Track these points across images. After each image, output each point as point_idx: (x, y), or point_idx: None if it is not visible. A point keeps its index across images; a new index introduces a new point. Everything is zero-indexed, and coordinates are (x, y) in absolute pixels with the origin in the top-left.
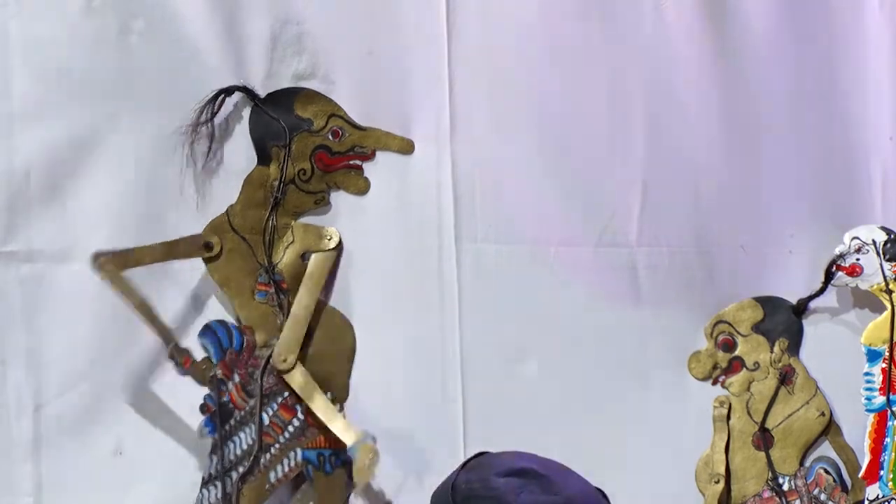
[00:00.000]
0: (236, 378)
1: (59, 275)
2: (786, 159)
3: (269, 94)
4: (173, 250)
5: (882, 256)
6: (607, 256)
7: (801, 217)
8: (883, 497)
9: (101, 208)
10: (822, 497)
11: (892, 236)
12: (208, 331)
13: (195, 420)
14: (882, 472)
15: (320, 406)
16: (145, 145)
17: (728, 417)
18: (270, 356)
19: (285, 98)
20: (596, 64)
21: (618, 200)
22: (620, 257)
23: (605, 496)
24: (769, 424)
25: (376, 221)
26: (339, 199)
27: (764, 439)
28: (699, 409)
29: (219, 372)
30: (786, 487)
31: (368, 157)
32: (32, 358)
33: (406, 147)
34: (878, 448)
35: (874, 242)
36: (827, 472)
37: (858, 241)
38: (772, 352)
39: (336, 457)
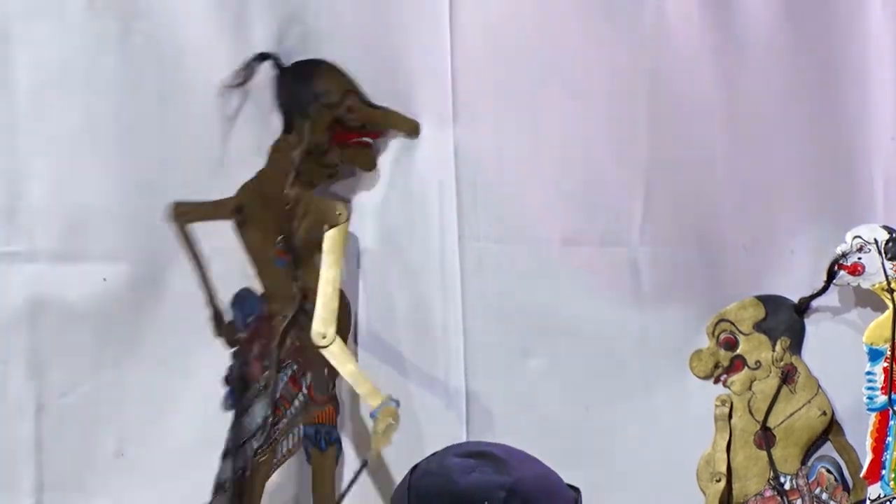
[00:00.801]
0: (255, 349)
1: (61, 275)
2: (788, 158)
3: (293, 64)
4: (217, 211)
5: (884, 255)
6: (609, 255)
7: (803, 216)
8: (885, 496)
9: (103, 208)
10: (824, 496)
11: (894, 235)
12: (238, 299)
13: (197, 419)
14: (884, 472)
15: (350, 371)
16: (147, 146)
17: (729, 416)
18: (287, 327)
19: (307, 69)
20: (598, 62)
21: (620, 200)
22: (623, 256)
23: (576, 490)
24: (771, 423)
25: (378, 221)
26: None
27: (765, 438)
28: (700, 408)
29: (243, 340)
30: (787, 486)
31: (379, 134)
32: (34, 358)
33: (413, 129)
34: (879, 447)
35: (876, 241)
36: (828, 471)
37: (860, 241)
38: (773, 350)
39: (329, 434)
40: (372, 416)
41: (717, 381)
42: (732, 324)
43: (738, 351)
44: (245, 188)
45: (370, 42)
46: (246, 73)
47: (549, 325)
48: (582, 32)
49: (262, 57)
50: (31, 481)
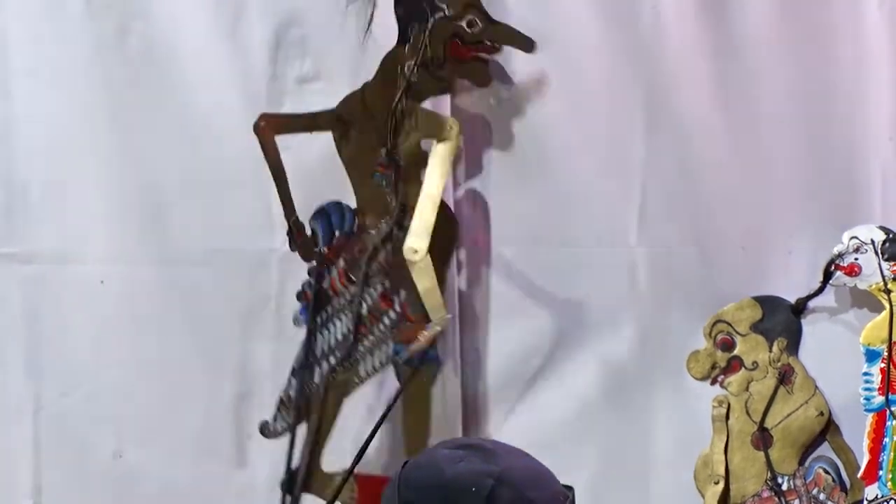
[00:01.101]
0: (341, 263)
1: (59, 276)
2: (785, 159)
3: None
4: (315, 122)
5: (880, 256)
6: (607, 256)
7: (801, 217)
8: (882, 497)
9: (101, 210)
10: (821, 497)
11: (891, 236)
12: (321, 213)
13: (197, 419)
14: (881, 472)
15: (425, 288)
16: (145, 146)
17: (727, 417)
18: (381, 242)
19: None
20: (595, 64)
21: (617, 201)
22: (620, 257)
23: (569, 488)
24: (768, 424)
25: None
26: None
27: (763, 439)
28: (698, 409)
29: (325, 253)
30: (785, 487)
31: (496, 50)
32: (32, 360)
33: (528, 46)
34: (876, 448)
35: (873, 242)
36: (826, 471)
37: (857, 241)
38: (770, 351)
39: (426, 352)
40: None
41: (714, 381)
42: (729, 325)
43: (736, 352)
44: (348, 100)
45: (366, 43)
46: None
47: (547, 327)
48: (579, 34)
49: None
50: (30, 482)
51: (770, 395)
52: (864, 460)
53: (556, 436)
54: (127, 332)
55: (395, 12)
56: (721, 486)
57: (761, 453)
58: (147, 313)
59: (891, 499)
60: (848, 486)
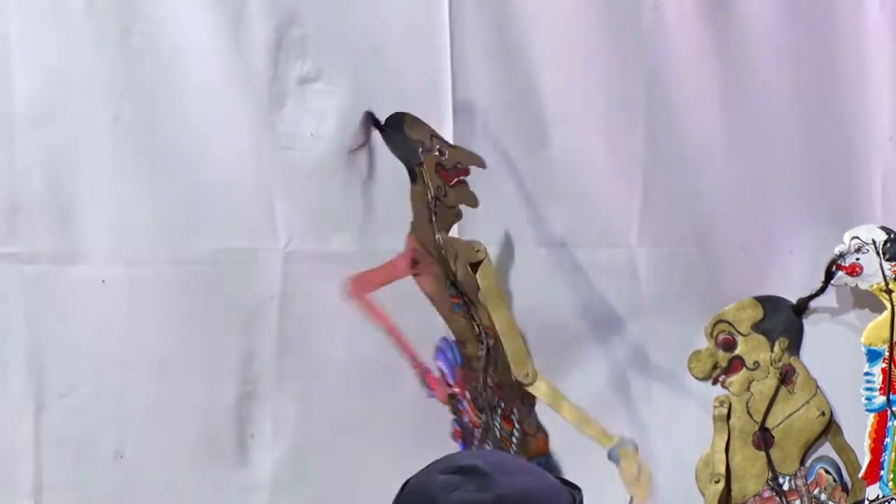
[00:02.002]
0: (468, 395)
1: (61, 276)
2: (786, 159)
3: (386, 119)
4: (397, 270)
5: (882, 256)
6: (607, 257)
7: (802, 217)
8: (883, 497)
9: (103, 210)
10: (823, 497)
11: (892, 236)
12: (440, 352)
13: (197, 420)
14: (882, 472)
15: (570, 412)
16: (146, 147)
17: (728, 417)
18: (486, 368)
19: (398, 122)
20: (596, 63)
21: (618, 201)
22: (620, 257)
23: (576, 488)
24: (769, 424)
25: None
26: None
27: (764, 439)
28: (699, 409)
29: (457, 391)
30: (786, 487)
31: (468, 172)
32: (34, 359)
33: (480, 162)
34: (878, 448)
35: (874, 242)
36: (827, 471)
37: (858, 241)
38: (772, 351)
39: (546, 465)
40: (610, 457)
41: (715, 381)
42: (731, 324)
43: (737, 352)
44: (409, 241)
45: (368, 43)
46: (363, 134)
47: (547, 327)
48: (579, 34)
49: (370, 116)
50: (30, 482)
51: (771, 394)
52: (865, 460)
53: (556, 436)
54: (128, 332)
55: (395, 156)
56: (721, 485)
57: (762, 453)
58: (148, 313)
59: (892, 499)
60: (849, 486)
